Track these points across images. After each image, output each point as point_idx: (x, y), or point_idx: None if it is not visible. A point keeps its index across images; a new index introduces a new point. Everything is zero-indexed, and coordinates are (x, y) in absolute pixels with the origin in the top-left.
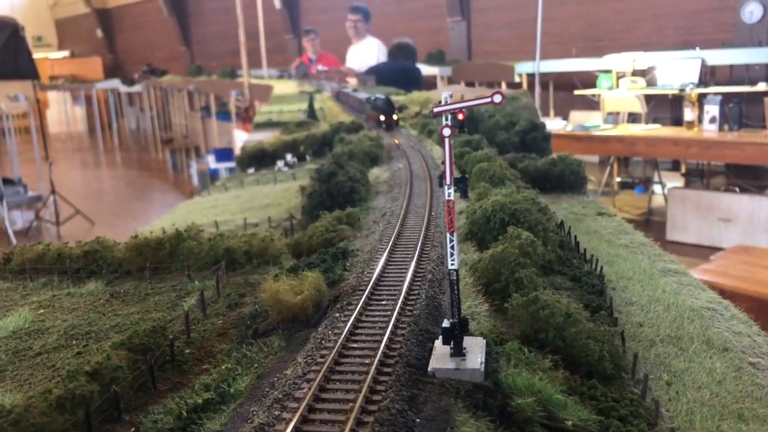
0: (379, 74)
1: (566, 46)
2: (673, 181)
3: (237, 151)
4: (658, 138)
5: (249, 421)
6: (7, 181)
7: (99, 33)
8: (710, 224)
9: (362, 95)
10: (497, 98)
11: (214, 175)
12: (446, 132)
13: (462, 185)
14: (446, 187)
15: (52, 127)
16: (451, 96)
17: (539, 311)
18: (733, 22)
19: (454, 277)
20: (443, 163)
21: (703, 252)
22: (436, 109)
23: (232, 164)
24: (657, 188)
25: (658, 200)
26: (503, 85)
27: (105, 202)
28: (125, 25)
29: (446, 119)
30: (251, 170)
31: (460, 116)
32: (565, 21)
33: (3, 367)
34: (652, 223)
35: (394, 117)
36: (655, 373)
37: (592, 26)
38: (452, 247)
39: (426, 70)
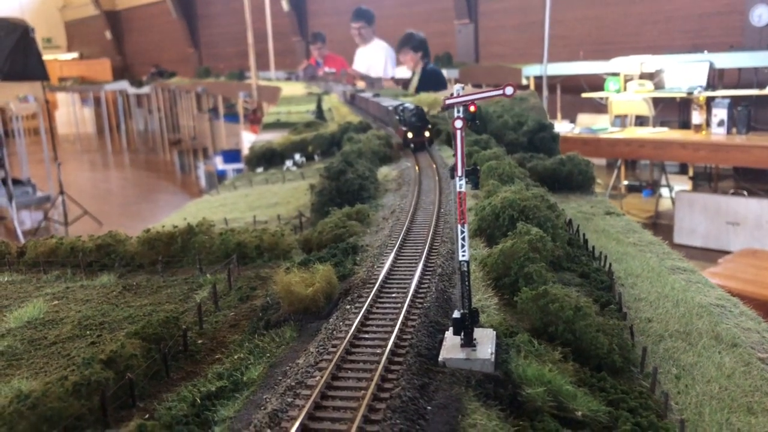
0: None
1: (574, 49)
2: (681, 184)
3: (245, 153)
4: (666, 141)
5: (262, 408)
6: (17, 182)
7: (108, 35)
8: (718, 228)
9: (387, 102)
10: (509, 90)
11: (221, 176)
12: (458, 124)
13: (473, 177)
14: (457, 179)
15: (60, 128)
16: (463, 88)
17: (549, 305)
18: (741, 25)
19: (465, 269)
20: (455, 155)
21: (710, 255)
22: (447, 101)
23: (239, 165)
24: (664, 191)
25: (665, 203)
26: None
27: (113, 203)
28: (134, 27)
29: (458, 111)
30: (260, 170)
31: (472, 108)
32: (573, 24)
33: (19, 356)
34: (659, 227)
35: (426, 134)
36: (664, 367)
37: (600, 29)
38: (463, 239)
39: None
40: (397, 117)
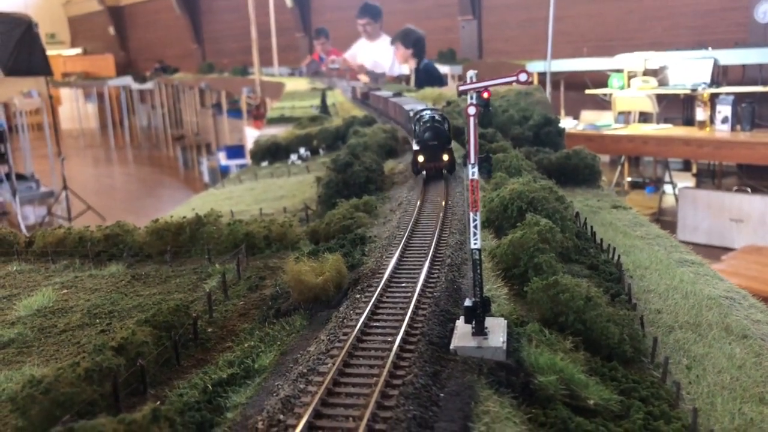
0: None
1: (577, 46)
2: (684, 181)
3: (248, 149)
4: (670, 138)
5: (275, 394)
6: (20, 177)
7: (111, 30)
8: (721, 224)
9: (410, 105)
10: (522, 77)
11: (224, 172)
12: (471, 110)
13: (486, 165)
14: (470, 166)
15: (64, 123)
16: (476, 74)
17: (559, 295)
18: (746, 21)
19: (477, 257)
20: (467, 142)
21: (714, 252)
22: (461, 87)
23: (242, 161)
24: (668, 188)
25: (668, 200)
26: (514, 85)
27: (116, 199)
28: (137, 22)
29: (471, 98)
30: (265, 163)
31: (486, 95)
32: (577, 20)
33: (29, 344)
34: (662, 223)
35: (445, 158)
36: (674, 357)
37: (604, 25)
38: (475, 227)
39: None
40: (412, 127)
